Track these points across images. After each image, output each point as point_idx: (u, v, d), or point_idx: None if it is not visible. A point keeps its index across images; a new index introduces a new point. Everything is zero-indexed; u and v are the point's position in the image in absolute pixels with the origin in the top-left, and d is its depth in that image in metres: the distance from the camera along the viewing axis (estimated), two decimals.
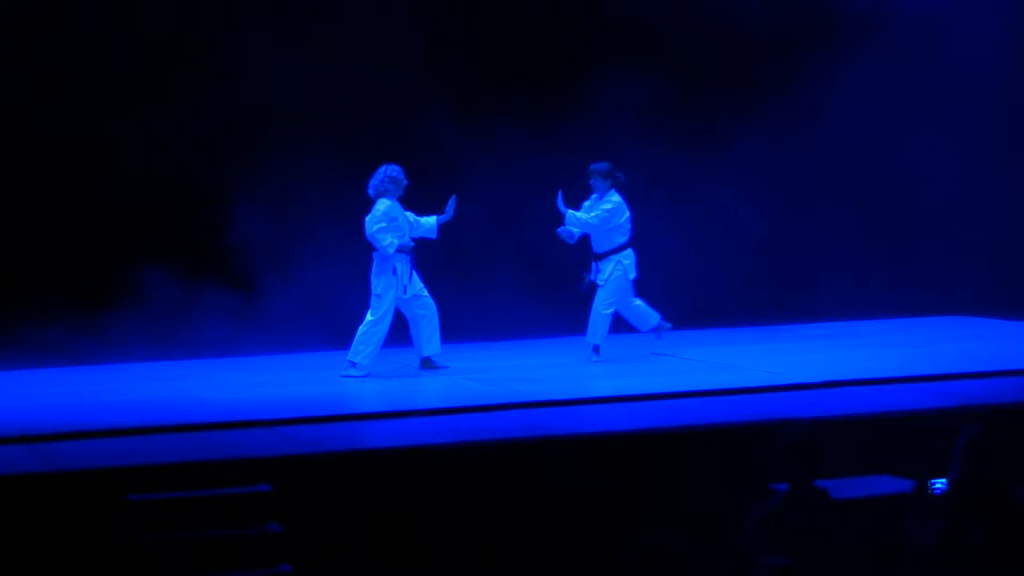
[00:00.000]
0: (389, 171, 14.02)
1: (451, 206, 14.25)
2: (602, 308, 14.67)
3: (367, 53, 15.80)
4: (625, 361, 14.70)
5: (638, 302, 14.84)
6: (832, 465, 8.36)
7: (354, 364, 13.91)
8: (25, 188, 15.24)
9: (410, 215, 14.16)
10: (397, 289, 13.94)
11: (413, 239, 14.12)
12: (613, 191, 14.72)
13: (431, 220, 14.24)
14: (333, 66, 15.58)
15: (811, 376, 13.15)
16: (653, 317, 14.88)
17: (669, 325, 14.85)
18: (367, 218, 13.91)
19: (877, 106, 17.25)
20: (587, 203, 14.74)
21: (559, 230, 14.59)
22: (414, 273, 14.03)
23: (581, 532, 10.58)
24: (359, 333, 13.95)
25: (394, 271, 13.93)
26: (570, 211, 14.58)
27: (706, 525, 9.79)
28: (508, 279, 16.03)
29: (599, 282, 14.72)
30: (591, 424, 11.32)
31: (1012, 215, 17.80)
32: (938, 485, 9.65)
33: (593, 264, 14.77)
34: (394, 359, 14.75)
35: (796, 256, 16.98)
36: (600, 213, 14.63)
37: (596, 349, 14.73)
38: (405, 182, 14.04)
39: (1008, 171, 17.81)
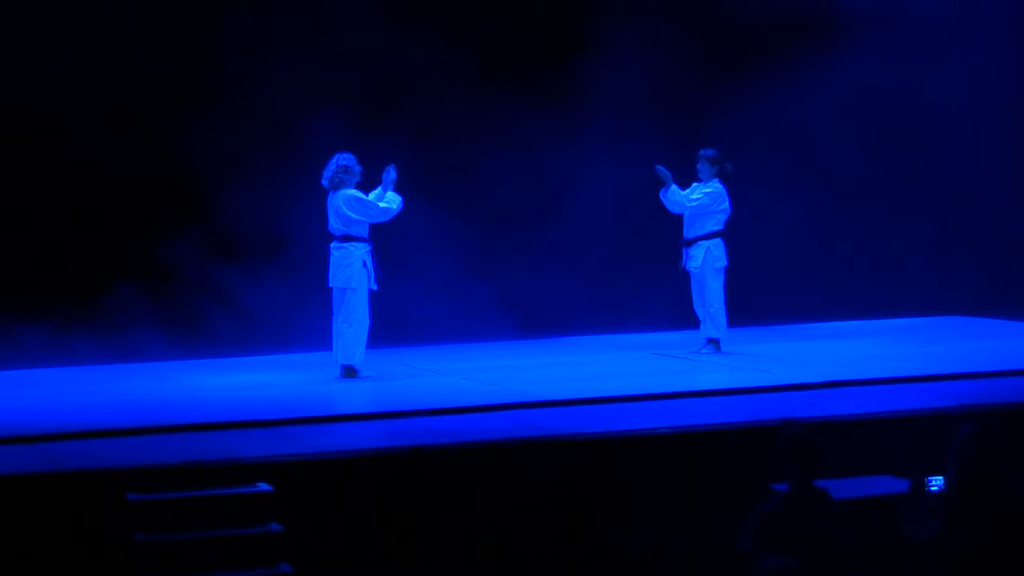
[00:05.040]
0: (340, 160, 13.76)
1: (388, 176, 13.84)
2: (715, 302, 14.75)
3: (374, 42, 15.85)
4: (625, 361, 14.71)
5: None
6: (832, 465, 8.37)
7: (357, 369, 13.83)
8: (25, 188, 15.24)
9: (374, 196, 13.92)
10: (369, 281, 13.82)
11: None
12: (716, 180, 14.79)
13: (393, 197, 13.82)
14: (334, 60, 15.61)
15: (811, 376, 13.15)
16: (711, 332, 14.90)
17: (708, 349, 14.87)
18: (348, 211, 13.64)
19: (877, 105, 17.25)
20: (694, 185, 14.94)
21: (660, 178, 14.75)
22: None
23: (581, 532, 10.57)
24: (346, 335, 13.79)
25: (363, 264, 13.81)
26: (674, 186, 14.67)
27: (706, 525, 9.79)
28: (512, 279, 16.05)
29: (690, 269, 14.80)
30: (591, 424, 11.32)
31: (1012, 215, 17.80)
32: (934, 483, 9.67)
33: (684, 250, 14.83)
34: (394, 359, 14.76)
35: (796, 256, 16.98)
36: (701, 198, 14.70)
37: (717, 343, 14.78)
38: (359, 169, 13.80)
39: (1009, 171, 17.80)
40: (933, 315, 17.39)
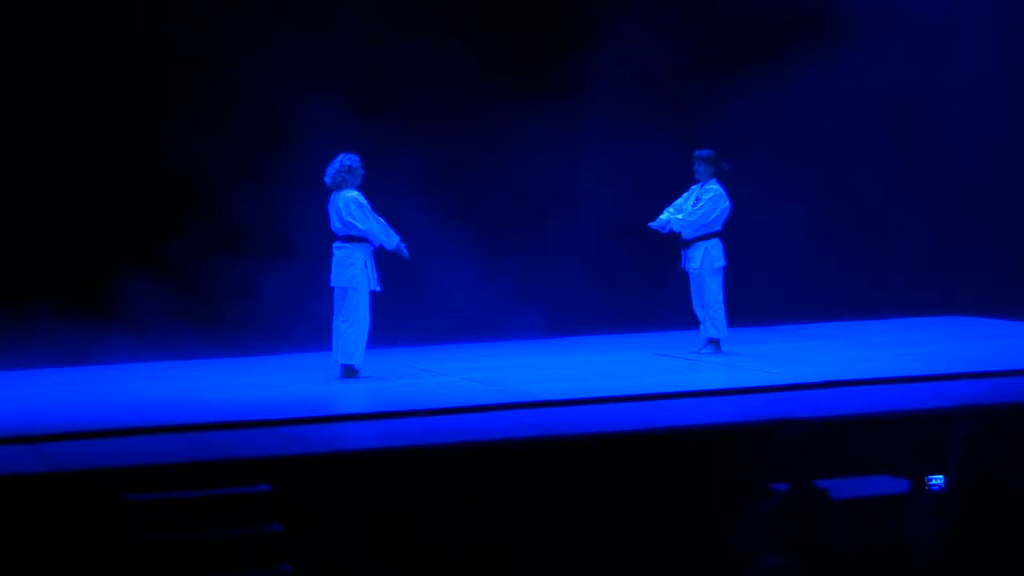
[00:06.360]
0: (345, 160, 13.80)
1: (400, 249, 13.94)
2: (714, 302, 14.77)
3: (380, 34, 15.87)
4: (625, 361, 14.71)
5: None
6: (832, 465, 8.36)
7: (357, 369, 13.83)
8: (25, 188, 15.24)
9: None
10: (370, 283, 13.84)
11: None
12: (714, 180, 14.79)
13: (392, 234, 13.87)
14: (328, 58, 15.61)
15: (811, 376, 13.16)
16: (710, 332, 14.91)
17: (708, 349, 14.88)
18: (345, 213, 13.69)
19: (876, 104, 17.25)
20: (692, 187, 14.94)
21: (651, 224, 14.77)
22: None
23: (581, 532, 10.58)
24: (346, 335, 13.79)
25: (364, 264, 13.83)
26: (672, 219, 14.71)
27: (706, 525, 9.79)
28: (512, 278, 16.04)
29: (688, 270, 14.81)
30: (591, 424, 11.32)
31: (1013, 215, 17.80)
32: (935, 481, 9.68)
33: (682, 251, 14.84)
34: (394, 359, 14.76)
35: (795, 256, 16.98)
36: (704, 206, 14.69)
37: (717, 343, 14.79)
38: (362, 172, 13.84)
39: (1009, 171, 17.80)
40: (933, 315, 17.39)
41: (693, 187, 14.94)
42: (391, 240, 13.79)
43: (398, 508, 10.41)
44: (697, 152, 14.90)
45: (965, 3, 17.21)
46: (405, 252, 13.90)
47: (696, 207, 14.76)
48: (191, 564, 9.90)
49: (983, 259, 17.63)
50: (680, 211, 14.84)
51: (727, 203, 14.83)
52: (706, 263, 14.76)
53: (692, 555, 6.95)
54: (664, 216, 14.85)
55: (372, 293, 13.83)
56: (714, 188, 14.81)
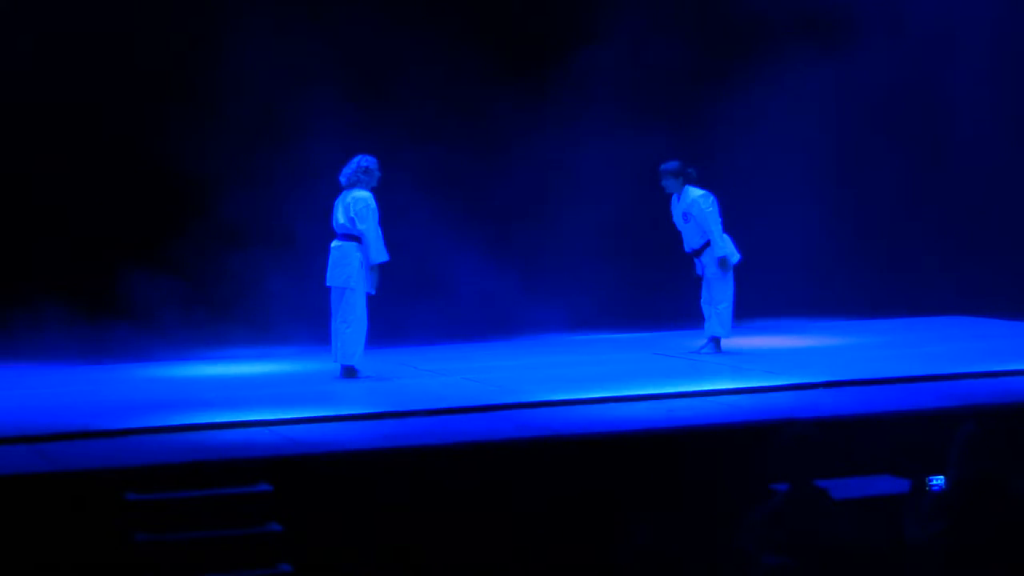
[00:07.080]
0: (363, 162, 13.80)
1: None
2: (723, 300, 14.76)
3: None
4: (625, 361, 14.71)
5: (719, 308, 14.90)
6: (832, 465, 8.36)
7: (357, 369, 13.82)
8: (24, 187, 15.24)
9: None
10: (367, 284, 13.83)
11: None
12: (687, 188, 14.75)
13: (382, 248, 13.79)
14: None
15: (811, 376, 13.16)
16: (714, 330, 14.89)
17: (708, 348, 14.86)
18: (355, 214, 13.66)
19: (881, 105, 17.25)
20: (672, 203, 14.90)
21: (718, 266, 14.74)
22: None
23: (581, 532, 10.58)
24: (345, 335, 13.78)
25: (360, 264, 13.82)
26: (718, 246, 14.64)
27: (706, 525, 9.79)
28: (511, 278, 16.04)
29: (706, 275, 14.86)
30: (591, 424, 11.32)
31: (1013, 215, 17.80)
32: (936, 482, 9.67)
33: (695, 260, 14.86)
34: (394, 359, 14.75)
35: (797, 255, 16.97)
36: (709, 217, 14.61)
37: (717, 342, 14.79)
38: (378, 173, 13.84)
39: (1011, 170, 17.81)
40: (933, 315, 17.39)
41: (673, 202, 14.87)
42: (380, 255, 13.71)
43: (398, 508, 10.40)
44: (663, 167, 14.82)
45: (967, 3, 17.20)
46: (376, 282, 13.73)
47: (710, 226, 14.70)
48: (191, 564, 9.90)
49: (984, 259, 17.63)
50: (686, 234, 14.80)
51: (712, 198, 14.76)
52: (718, 265, 14.74)
53: (692, 555, 6.95)
54: (690, 251, 14.82)
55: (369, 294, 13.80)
56: (694, 193, 14.74)
